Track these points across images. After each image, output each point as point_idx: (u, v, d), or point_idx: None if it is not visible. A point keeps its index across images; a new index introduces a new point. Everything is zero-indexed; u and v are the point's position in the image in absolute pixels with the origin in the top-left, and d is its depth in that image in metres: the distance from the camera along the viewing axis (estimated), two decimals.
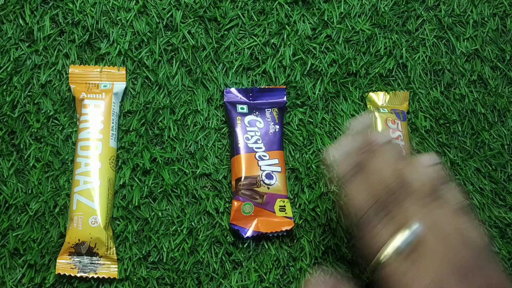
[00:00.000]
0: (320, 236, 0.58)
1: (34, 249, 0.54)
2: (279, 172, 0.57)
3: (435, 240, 0.39)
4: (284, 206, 0.57)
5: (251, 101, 0.59)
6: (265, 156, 0.57)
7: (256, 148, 0.57)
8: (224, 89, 0.59)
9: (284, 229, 0.56)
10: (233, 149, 0.57)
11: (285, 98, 0.59)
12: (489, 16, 0.65)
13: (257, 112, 0.58)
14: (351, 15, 0.62)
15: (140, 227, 0.55)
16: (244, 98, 0.59)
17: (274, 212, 0.56)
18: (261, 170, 0.56)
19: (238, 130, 0.57)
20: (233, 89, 0.59)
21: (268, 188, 0.56)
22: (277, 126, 0.58)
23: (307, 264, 0.57)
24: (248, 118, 0.58)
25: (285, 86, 0.60)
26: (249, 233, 0.56)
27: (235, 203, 0.56)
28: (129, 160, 0.56)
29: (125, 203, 0.55)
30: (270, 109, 0.58)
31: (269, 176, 0.56)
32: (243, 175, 0.56)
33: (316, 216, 0.58)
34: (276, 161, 0.57)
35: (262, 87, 0.60)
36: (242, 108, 0.58)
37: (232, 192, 0.57)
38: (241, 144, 0.57)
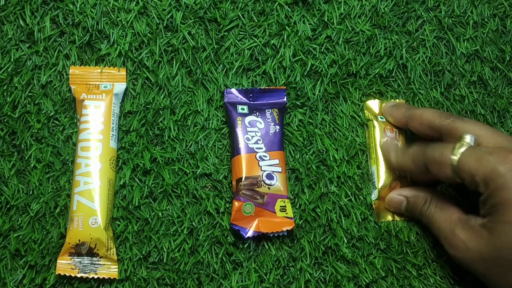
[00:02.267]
0: (320, 237, 0.58)
1: (35, 250, 0.54)
2: (280, 172, 0.57)
3: None
4: (285, 206, 0.57)
5: (252, 102, 0.59)
6: (265, 156, 0.57)
7: (257, 148, 0.57)
8: (224, 90, 0.59)
9: (285, 229, 0.56)
10: (234, 150, 0.57)
11: (285, 99, 0.59)
12: (489, 17, 0.65)
13: (257, 113, 0.58)
14: (351, 16, 0.62)
15: (140, 227, 0.56)
16: (244, 99, 0.59)
17: (275, 213, 0.56)
18: (261, 170, 0.56)
19: (239, 131, 0.57)
20: (233, 90, 0.59)
21: (269, 188, 0.56)
22: (277, 127, 0.58)
23: (307, 265, 0.57)
24: (248, 118, 0.58)
25: (285, 87, 0.60)
26: (249, 233, 0.56)
27: (236, 203, 0.56)
28: (130, 161, 0.57)
29: (125, 203, 0.55)
30: (270, 110, 0.59)
31: (269, 176, 0.56)
32: (244, 175, 0.56)
33: (316, 216, 0.58)
34: (276, 161, 0.57)
35: (263, 87, 0.60)
36: (242, 109, 0.58)
37: (233, 192, 0.57)
38: (242, 145, 0.57)
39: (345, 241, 0.58)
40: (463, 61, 0.64)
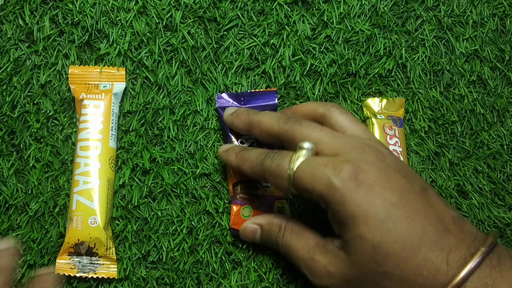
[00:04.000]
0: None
1: (34, 249, 0.54)
2: None
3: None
4: (283, 207, 0.57)
5: (243, 106, 0.59)
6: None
7: None
8: (222, 91, 0.59)
9: None
10: None
11: (276, 101, 0.59)
12: (488, 17, 0.65)
13: None
14: (351, 16, 0.62)
15: (139, 227, 0.56)
16: (235, 103, 0.59)
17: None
18: None
19: (232, 135, 0.57)
20: (224, 95, 0.59)
21: (266, 190, 0.56)
22: None
23: None
24: None
25: (276, 89, 0.59)
26: None
27: (234, 208, 0.56)
28: (129, 160, 0.57)
29: (125, 203, 0.55)
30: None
31: None
32: (239, 179, 0.56)
33: (315, 215, 0.58)
34: None
35: (253, 90, 0.59)
36: None
37: (230, 196, 0.57)
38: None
39: None
40: (462, 61, 0.64)
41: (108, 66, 0.58)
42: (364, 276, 0.43)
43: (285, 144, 0.50)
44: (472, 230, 0.44)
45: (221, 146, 0.56)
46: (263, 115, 0.53)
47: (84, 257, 0.53)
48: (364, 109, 0.61)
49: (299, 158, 0.47)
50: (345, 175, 0.44)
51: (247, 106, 0.59)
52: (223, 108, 0.58)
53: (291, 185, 0.47)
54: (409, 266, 0.41)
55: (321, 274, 0.47)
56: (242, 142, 0.57)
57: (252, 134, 0.54)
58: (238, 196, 0.56)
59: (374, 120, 0.60)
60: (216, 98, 0.59)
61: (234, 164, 0.53)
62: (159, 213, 0.56)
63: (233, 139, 0.57)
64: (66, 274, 0.53)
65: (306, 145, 0.47)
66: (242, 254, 0.56)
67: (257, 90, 0.59)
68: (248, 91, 0.59)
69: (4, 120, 0.56)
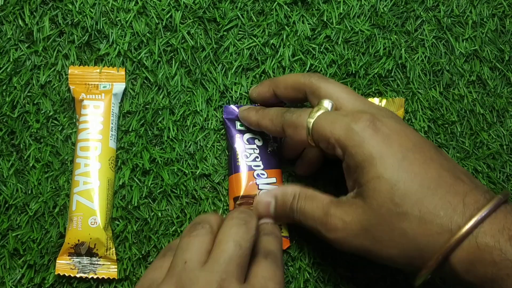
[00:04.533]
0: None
1: (34, 250, 0.54)
2: None
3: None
4: (281, 225, 0.57)
5: None
6: (263, 174, 0.56)
7: (255, 166, 0.56)
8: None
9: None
10: (231, 167, 0.57)
11: None
12: (488, 17, 0.65)
13: (256, 132, 0.58)
14: (350, 16, 0.62)
15: (139, 228, 0.56)
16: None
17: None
18: (258, 188, 0.56)
19: (237, 148, 0.57)
20: (232, 106, 0.59)
21: None
22: (276, 144, 0.57)
23: (306, 264, 0.57)
24: (247, 135, 0.57)
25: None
26: None
27: None
28: (129, 161, 0.57)
29: (125, 203, 0.56)
30: None
31: None
32: (241, 194, 0.56)
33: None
34: (273, 179, 0.56)
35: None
36: (241, 125, 0.57)
37: (230, 210, 0.57)
38: (240, 163, 0.56)
39: None
40: (462, 61, 0.64)
41: (108, 67, 0.58)
42: (381, 219, 0.43)
43: (308, 96, 0.53)
44: (483, 185, 0.45)
45: (241, 107, 0.58)
46: (289, 74, 0.57)
47: (84, 257, 0.53)
48: None
49: (320, 110, 0.49)
50: (364, 123, 0.45)
51: None
52: (230, 120, 0.58)
53: (309, 134, 0.48)
54: (426, 205, 0.42)
55: (336, 227, 0.46)
56: (246, 156, 0.56)
57: (276, 94, 0.56)
58: None
59: None
60: (224, 109, 0.59)
61: (254, 119, 0.55)
62: (159, 214, 0.56)
63: (237, 153, 0.57)
64: (66, 274, 0.53)
65: (327, 102, 0.50)
66: None
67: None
68: (257, 104, 0.59)
69: (4, 120, 0.56)
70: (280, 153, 0.58)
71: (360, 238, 0.45)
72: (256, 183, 0.56)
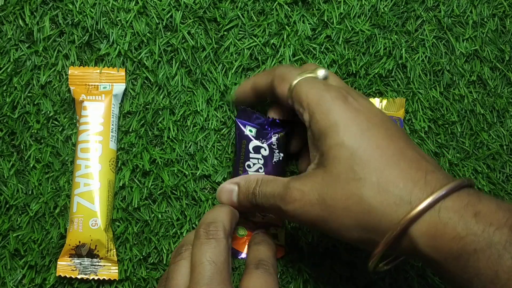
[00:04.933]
0: (318, 238, 0.58)
1: (35, 250, 0.54)
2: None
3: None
4: (277, 234, 0.57)
5: (262, 128, 0.57)
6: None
7: None
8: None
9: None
10: (234, 175, 0.56)
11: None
12: (488, 17, 0.65)
13: (263, 139, 0.56)
14: (351, 16, 0.62)
15: (140, 229, 0.56)
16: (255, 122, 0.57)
17: None
18: None
19: (241, 156, 0.56)
20: (248, 109, 0.57)
21: (263, 218, 0.56)
22: (281, 154, 0.56)
23: (305, 265, 0.57)
24: (253, 143, 0.56)
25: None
26: (243, 255, 0.56)
27: None
28: (129, 161, 0.57)
29: (125, 204, 0.56)
30: (277, 135, 0.56)
31: None
32: None
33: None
34: None
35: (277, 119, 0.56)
36: (250, 131, 0.56)
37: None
38: (242, 172, 0.56)
39: (344, 242, 0.58)
40: (462, 61, 0.64)
41: (108, 67, 0.57)
42: (338, 187, 0.43)
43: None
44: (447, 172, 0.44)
45: None
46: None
47: (85, 258, 0.53)
48: None
49: (310, 74, 0.50)
50: (336, 93, 0.46)
51: (265, 130, 0.57)
52: (242, 123, 0.56)
53: (290, 91, 0.49)
54: (385, 174, 0.41)
55: (294, 198, 0.45)
56: (249, 166, 0.56)
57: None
58: (240, 220, 0.56)
59: None
60: (239, 109, 0.57)
61: (248, 80, 0.57)
62: (159, 216, 0.56)
63: (241, 161, 0.56)
64: (67, 276, 0.53)
65: (322, 71, 0.50)
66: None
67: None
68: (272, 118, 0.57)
69: (5, 121, 0.56)
70: (284, 163, 0.57)
71: (317, 208, 0.44)
72: None
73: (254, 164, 0.56)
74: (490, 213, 0.38)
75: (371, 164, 0.42)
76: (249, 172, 0.56)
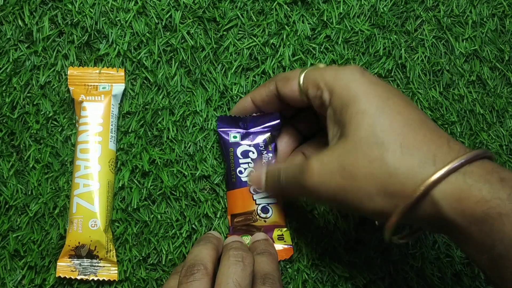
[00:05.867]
0: (317, 238, 0.58)
1: (34, 251, 0.54)
2: (275, 203, 0.56)
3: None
4: (282, 235, 0.57)
5: (244, 129, 0.57)
6: (259, 188, 0.56)
7: None
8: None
9: (284, 257, 0.57)
10: (227, 183, 0.57)
11: (279, 121, 0.56)
12: (488, 17, 0.65)
13: (249, 143, 0.56)
14: (350, 16, 0.62)
15: (139, 230, 0.56)
16: (235, 129, 0.57)
17: (273, 241, 0.56)
18: (256, 204, 0.55)
19: (231, 164, 0.56)
20: (226, 117, 0.58)
21: (265, 221, 0.56)
22: (270, 154, 0.56)
23: (304, 265, 0.57)
24: (240, 148, 0.56)
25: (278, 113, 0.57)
26: None
27: None
28: (128, 162, 0.57)
29: (124, 205, 0.56)
30: (263, 135, 0.56)
31: (265, 209, 0.56)
32: (238, 211, 0.56)
33: (314, 218, 0.58)
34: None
35: (255, 114, 0.57)
36: (234, 137, 0.56)
37: (229, 227, 0.57)
38: (235, 179, 0.56)
39: (343, 243, 0.58)
40: (462, 61, 0.64)
41: (108, 67, 0.57)
42: (359, 152, 0.42)
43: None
44: None
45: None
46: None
47: (85, 259, 0.53)
48: None
49: (313, 67, 0.50)
50: (353, 69, 0.47)
51: (248, 130, 0.57)
52: (224, 132, 0.57)
53: (300, 84, 0.49)
54: (408, 139, 0.41)
55: (312, 169, 0.45)
56: (240, 172, 0.56)
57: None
58: (237, 228, 0.56)
59: None
60: (217, 121, 0.58)
61: (247, 97, 0.56)
62: (159, 216, 0.56)
63: (232, 169, 0.56)
64: (67, 276, 0.53)
65: (322, 64, 0.52)
66: None
67: (258, 114, 0.57)
68: (251, 115, 0.57)
69: (4, 121, 0.56)
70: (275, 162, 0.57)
71: (337, 177, 0.43)
72: (253, 198, 0.56)
73: (245, 169, 0.56)
74: None
75: (394, 129, 0.42)
76: (242, 178, 0.56)
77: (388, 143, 0.41)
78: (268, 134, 0.56)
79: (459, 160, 0.39)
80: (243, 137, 0.57)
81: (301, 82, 0.49)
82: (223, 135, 0.57)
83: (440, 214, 0.39)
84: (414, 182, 0.40)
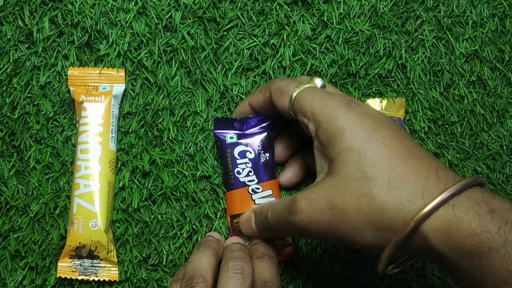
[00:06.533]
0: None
1: (35, 251, 0.54)
2: None
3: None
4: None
5: (240, 130, 0.57)
6: (258, 188, 0.56)
7: (249, 181, 0.56)
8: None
9: (284, 256, 0.57)
10: (226, 184, 0.57)
11: (273, 120, 0.57)
12: (488, 17, 0.65)
13: (246, 142, 0.57)
14: (351, 16, 0.62)
15: (140, 230, 0.56)
16: (231, 131, 0.57)
17: (274, 241, 0.56)
18: (255, 204, 0.55)
19: (229, 165, 0.56)
20: (222, 118, 0.58)
21: None
22: (267, 154, 0.56)
23: (304, 266, 0.57)
24: (237, 149, 0.56)
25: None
26: None
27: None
28: (129, 162, 0.57)
29: (125, 205, 0.56)
30: (260, 135, 0.57)
31: None
32: (238, 212, 0.56)
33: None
34: (269, 192, 0.56)
35: (251, 116, 0.57)
36: (231, 138, 0.57)
37: (229, 228, 0.57)
38: (233, 180, 0.56)
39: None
40: (462, 61, 0.64)
41: (108, 67, 0.57)
42: (347, 189, 0.42)
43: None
44: None
45: None
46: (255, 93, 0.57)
47: (86, 260, 0.53)
48: None
49: (308, 84, 0.50)
50: (339, 100, 0.46)
51: (245, 131, 0.57)
52: (221, 133, 0.57)
53: (291, 103, 0.49)
54: (396, 172, 0.41)
55: (301, 208, 0.45)
56: (238, 173, 0.56)
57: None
58: (236, 229, 0.56)
59: None
60: (214, 122, 0.58)
61: (245, 101, 0.57)
62: (159, 217, 0.56)
63: (230, 169, 0.56)
64: (68, 277, 0.53)
65: (318, 80, 0.51)
66: None
67: (253, 116, 0.58)
68: (247, 117, 0.58)
69: (5, 121, 0.56)
70: (273, 162, 0.58)
71: (327, 215, 0.43)
72: (252, 198, 0.56)
73: (243, 169, 0.56)
74: (506, 211, 0.38)
75: (381, 163, 0.41)
76: (240, 179, 0.56)
77: (375, 179, 0.41)
78: (265, 134, 0.57)
79: (447, 192, 0.39)
80: (240, 137, 0.57)
81: (293, 101, 0.49)
82: (220, 136, 0.57)
83: (430, 247, 0.39)
84: (403, 216, 0.40)
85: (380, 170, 0.41)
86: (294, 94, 0.49)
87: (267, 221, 0.51)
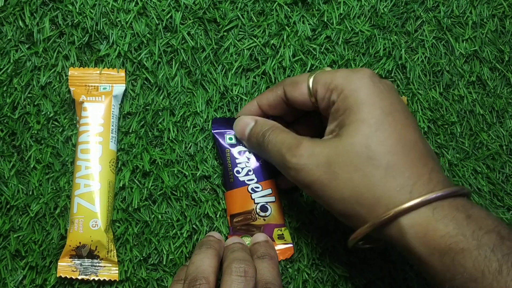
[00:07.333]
0: (317, 238, 0.58)
1: (35, 251, 0.54)
2: (273, 201, 0.56)
3: None
4: (282, 234, 0.57)
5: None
6: (257, 187, 0.56)
7: (248, 180, 0.56)
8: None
9: (284, 257, 0.57)
10: (225, 184, 0.57)
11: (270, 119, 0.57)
12: (488, 17, 0.65)
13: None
14: (351, 16, 0.62)
15: (140, 230, 0.56)
16: (230, 130, 0.58)
17: (274, 241, 0.56)
18: (255, 203, 0.56)
19: (228, 164, 0.56)
20: (220, 118, 0.59)
21: (264, 219, 0.56)
22: None
23: (304, 265, 0.57)
24: (236, 149, 0.57)
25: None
26: None
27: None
28: (129, 162, 0.57)
29: (125, 205, 0.56)
30: None
31: (263, 208, 0.56)
32: (237, 211, 0.56)
33: (314, 218, 0.58)
34: (269, 191, 0.56)
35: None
36: (230, 139, 0.57)
37: (229, 227, 0.57)
38: (233, 179, 0.56)
39: (343, 243, 0.58)
40: (462, 62, 0.64)
41: (108, 68, 0.58)
42: (349, 156, 0.44)
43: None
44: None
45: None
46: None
47: (86, 259, 0.54)
48: None
49: (320, 70, 0.51)
50: (364, 73, 0.47)
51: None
52: (219, 134, 0.57)
53: (309, 87, 0.50)
54: (396, 160, 0.43)
55: (301, 152, 0.46)
56: (238, 172, 0.56)
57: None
58: (236, 228, 0.56)
59: None
60: (212, 123, 0.58)
61: (253, 102, 0.56)
62: (159, 216, 0.56)
63: (229, 169, 0.56)
64: (68, 276, 0.53)
65: (328, 68, 0.52)
66: None
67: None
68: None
69: (5, 122, 0.56)
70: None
71: (320, 170, 0.45)
72: (251, 197, 0.56)
73: (242, 168, 0.56)
74: (481, 218, 0.40)
75: (386, 146, 0.43)
76: (239, 178, 0.56)
77: (376, 159, 0.43)
78: None
79: (433, 194, 0.41)
80: (237, 138, 0.57)
81: (311, 84, 0.49)
82: (218, 136, 0.57)
83: (404, 240, 0.42)
84: (386, 203, 0.42)
85: (383, 153, 0.43)
86: (311, 78, 0.50)
87: (262, 138, 0.52)
